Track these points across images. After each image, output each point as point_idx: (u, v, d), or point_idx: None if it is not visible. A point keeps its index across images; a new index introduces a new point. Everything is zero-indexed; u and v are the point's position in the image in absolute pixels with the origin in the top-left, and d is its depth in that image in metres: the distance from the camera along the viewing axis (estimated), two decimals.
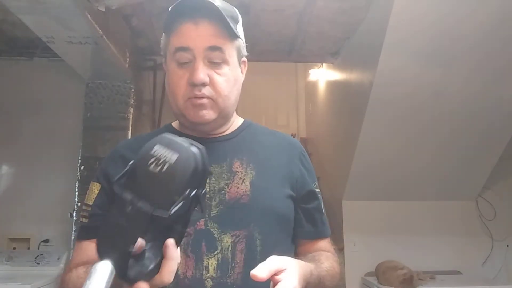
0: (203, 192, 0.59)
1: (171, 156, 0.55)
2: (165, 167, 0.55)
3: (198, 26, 0.83)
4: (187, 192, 0.56)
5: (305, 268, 0.75)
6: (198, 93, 0.83)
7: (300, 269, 0.71)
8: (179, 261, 0.60)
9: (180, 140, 0.58)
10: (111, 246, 0.55)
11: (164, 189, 0.55)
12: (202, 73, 0.83)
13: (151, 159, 0.55)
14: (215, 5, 0.82)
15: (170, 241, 0.57)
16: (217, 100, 0.85)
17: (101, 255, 0.55)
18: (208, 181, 0.85)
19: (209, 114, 0.86)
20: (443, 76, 2.40)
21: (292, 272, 0.68)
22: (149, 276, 0.57)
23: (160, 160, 0.55)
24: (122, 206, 0.55)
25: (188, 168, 0.56)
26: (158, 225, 0.57)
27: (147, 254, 0.56)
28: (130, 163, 0.58)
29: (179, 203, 0.55)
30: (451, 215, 3.08)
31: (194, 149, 0.58)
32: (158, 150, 0.56)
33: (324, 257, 0.92)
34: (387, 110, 2.54)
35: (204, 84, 0.83)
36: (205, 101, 0.84)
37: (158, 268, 0.58)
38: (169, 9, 0.88)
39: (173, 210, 0.54)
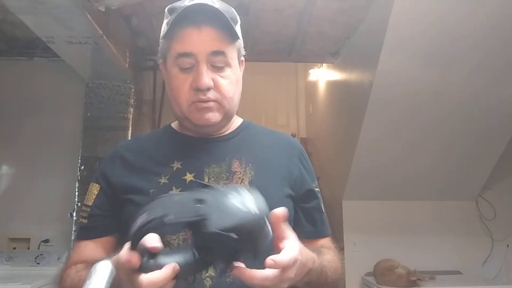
0: (239, 255, 0.62)
1: (255, 208, 0.61)
2: (245, 209, 0.61)
3: (201, 30, 0.83)
4: (235, 236, 0.59)
5: (308, 253, 0.74)
6: (203, 97, 0.84)
7: (302, 248, 0.71)
8: (165, 284, 0.60)
9: (264, 206, 0.64)
10: (153, 209, 0.60)
11: (229, 221, 0.59)
12: (207, 77, 0.83)
13: (240, 197, 0.62)
14: (217, 8, 0.82)
15: (174, 265, 0.59)
16: (222, 103, 0.86)
17: (144, 210, 0.60)
18: (207, 181, 0.86)
19: (215, 117, 0.86)
20: (443, 76, 2.40)
21: (294, 240, 0.68)
22: (141, 268, 0.59)
23: (246, 202, 0.61)
24: (191, 196, 0.62)
25: (257, 227, 0.61)
26: (192, 241, 0.62)
27: (158, 259, 0.59)
28: (220, 186, 0.67)
29: (225, 236, 0.59)
30: (451, 215, 3.08)
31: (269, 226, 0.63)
32: (249, 197, 0.63)
33: (326, 251, 0.92)
34: (387, 110, 2.54)
35: (209, 89, 0.83)
36: (211, 104, 0.85)
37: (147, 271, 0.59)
38: (166, 10, 0.88)
39: (218, 231, 0.58)
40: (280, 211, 0.65)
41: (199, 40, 0.83)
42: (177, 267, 0.60)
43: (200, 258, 0.62)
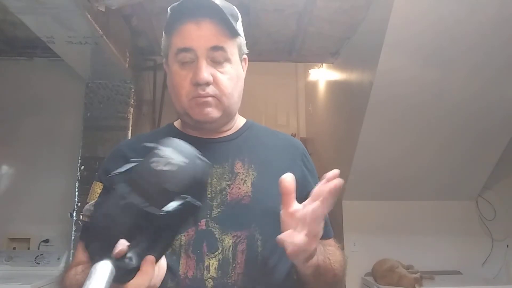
0: (197, 204, 0.60)
1: (176, 159, 0.58)
2: (166, 167, 0.57)
3: (200, 26, 0.83)
4: (181, 197, 0.57)
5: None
6: (202, 92, 0.84)
7: None
8: (152, 278, 0.60)
9: (189, 148, 0.61)
10: (97, 236, 0.57)
11: (161, 188, 0.57)
12: (206, 72, 0.83)
13: (155, 157, 0.58)
14: (216, 4, 0.82)
15: (149, 258, 0.59)
16: (221, 99, 0.86)
17: (88, 243, 0.57)
18: (210, 181, 0.86)
19: (213, 112, 0.86)
20: (443, 76, 2.40)
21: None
22: (119, 279, 0.57)
23: (164, 160, 0.58)
24: (116, 198, 0.58)
25: (188, 174, 0.58)
26: (146, 227, 0.58)
27: (126, 260, 0.57)
28: (134, 160, 0.61)
29: (173, 205, 0.56)
30: (451, 215, 3.07)
31: (199, 161, 0.61)
32: (166, 151, 0.59)
33: (330, 248, 0.93)
34: (387, 110, 2.54)
35: (208, 84, 0.84)
36: (209, 99, 0.85)
37: (130, 276, 0.58)
38: (168, 9, 0.88)
39: (165, 210, 0.55)
40: (288, 179, 0.69)
41: (198, 35, 0.83)
42: (151, 257, 0.58)
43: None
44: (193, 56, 0.84)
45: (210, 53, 0.84)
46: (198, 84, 0.83)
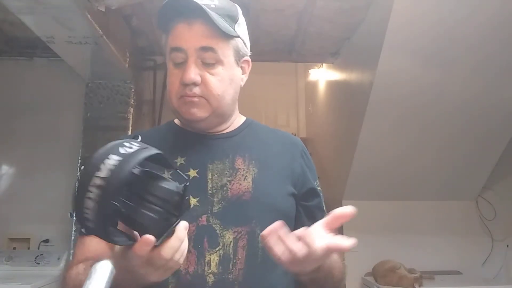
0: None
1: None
2: None
3: (191, 26, 0.84)
4: None
5: None
6: (189, 92, 0.85)
7: None
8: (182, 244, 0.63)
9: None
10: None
11: None
12: (193, 73, 0.83)
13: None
14: (200, 5, 0.81)
15: (184, 223, 0.62)
16: (209, 99, 0.86)
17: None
18: (211, 177, 0.87)
19: (200, 112, 0.87)
20: (444, 77, 2.40)
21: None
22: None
23: None
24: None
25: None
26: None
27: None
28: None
29: None
30: (451, 215, 3.07)
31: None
32: None
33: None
34: (387, 110, 2.54)
35: (195, 84, 0.84)
36: (195, 99, 0.86)
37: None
38: (161, 8, 0.88)
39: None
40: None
41: (189, 35, 0.84)
42: (186, 223, 0.62)
43: None
44: (184, 56, 0.85)
45: (200, 54, 0.84)
46: (185, 84, 0.84)
